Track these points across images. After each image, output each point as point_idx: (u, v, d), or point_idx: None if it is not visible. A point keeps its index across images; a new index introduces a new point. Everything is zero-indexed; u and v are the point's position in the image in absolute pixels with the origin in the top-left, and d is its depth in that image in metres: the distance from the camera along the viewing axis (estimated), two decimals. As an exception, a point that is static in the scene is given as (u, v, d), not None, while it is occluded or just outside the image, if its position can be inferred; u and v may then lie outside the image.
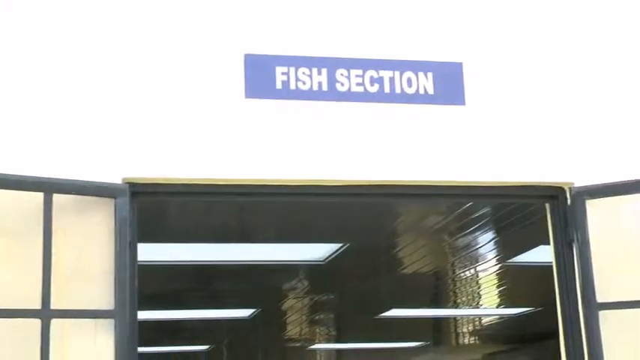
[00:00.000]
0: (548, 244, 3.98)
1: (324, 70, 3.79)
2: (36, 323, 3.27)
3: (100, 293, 3.41)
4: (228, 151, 3.68)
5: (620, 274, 3.71)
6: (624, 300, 3.66)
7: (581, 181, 3.85)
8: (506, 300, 10.88)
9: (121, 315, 3.39)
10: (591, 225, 3.76)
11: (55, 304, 3.30)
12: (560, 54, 4.03)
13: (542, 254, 7.48)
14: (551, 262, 3.95)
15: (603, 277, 3.70)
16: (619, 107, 4.01)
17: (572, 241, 3.79)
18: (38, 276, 3.30)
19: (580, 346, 3.75)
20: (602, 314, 3.67)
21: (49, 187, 3.37)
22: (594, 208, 3.78)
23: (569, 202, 3.84)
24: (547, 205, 3.96)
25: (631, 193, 3.71)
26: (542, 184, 3.93)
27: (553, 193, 3.92)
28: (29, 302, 3.28)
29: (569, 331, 3.81)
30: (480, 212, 6.57)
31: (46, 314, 3.28)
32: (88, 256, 3.47)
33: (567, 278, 3.82)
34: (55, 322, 3.29)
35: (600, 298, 3.68)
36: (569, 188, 3.86)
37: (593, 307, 3.68)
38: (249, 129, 3.72)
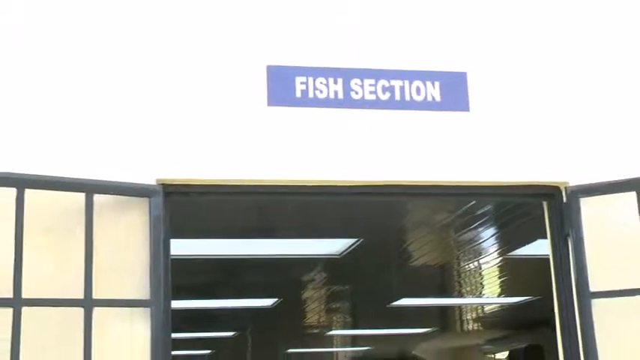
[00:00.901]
0: (546, 238, 3.96)
1: (339, 80, 3.79)
2: (79, 312, 3.28)
3: (137, 284, 3.42)
4: (253, 154, 3.68)
5: (611, 265, 3.70)
6: (615, 289, 3.65)
7: (575, 180, 3.83)
8: (506, 290, 10.86)
9: (156, 304, 3.40)
10: (585, 221, 3.75)
11: (96, 295, 3.31)
12: (553, 66, 4.02)
13: (540, 248, 7.46)
14: (548, 255, 3.94)
15: (596, 268, 3.69)
16: (610, 113, 3.99)
17: (568, 235, 3.78)
18: (80, 269, 3.31)
19: (575, 332, 3.74)
20: (595, 302, 3.66)
21: (90, 188, 3.37)
22: (588, 205, 3.76)
23: (564, 200, 3.82)
24: (544, 203, 3.95)
25: (622, 192, 3.70)
26: (539, 184, 3.91)
27: (550, 192, 3.90)
28: (73, 293, 3.29)
29: (565, 318, 3.80)
30: (483, 210, 6.55)
31: (88, 303, 3.29)
32: (125, 250, 3.47)
33: (563, 269, 3.81)
34: (96, 311, 3.30)
35: (593, 287, 3.67)
36: (565, 187, 3.84)
37: (587, 296, 3.67)
38: (272, 134, 3.71)
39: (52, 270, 3.33)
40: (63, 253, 3.35)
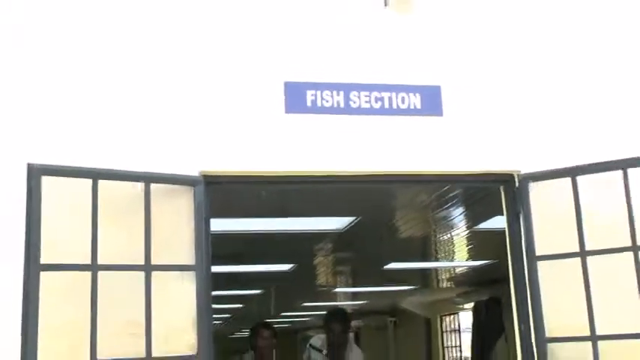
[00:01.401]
0: (502, 215, 3.97)
1: (341, 92, 3.80)
2: (141, 275, 3.31)
3: (185, 253, 3.44)
4: (274, 151, 3.70)
5: (552, 235, 3.71)
6: (555, 253, 3.66)
7: (525, 169, 3.84)
8: (472, 255, 10.84)
9: (200, 268, 3.42)
10: (532, 201, 3.76)
11: (154, 261, 3.33)
12: (506, 81, 4.03)
13: (498, 223, 7.47)
14: (504, 228, 3.95)
15: (541, 237, 3.70)
16: (552, 117, 4.00)
17: (519, 212, 3.79)
18: (141, 242, 3.32)
19: (524, 287, 3.75)
20: (540, 264, 3.68)
21: (148, 179, 3.39)
22: (535, 188, 3.77)
23: (517, 184, 3.83)
24: (501, 187, 3.96)
25: (560, 177, 3.71)
26: (497, 172, 3.92)
27: (505, 179, 3.91)
28: (136, 260, 3.31)
29: (517, 276, 3.81)
30: (454, 193, 6.54)
31: (148, 268, 3.31)
32: (176, 228, 3.48)
33: (515, 239, 3.82)
34: (154, 274, 3.32)
35: (538, 252, 3.69)
36: (517, 174, 3.85)
37: (533, 259, 3.70)
38: (289, 135, 3.73)
39: (119, 243, 3.35)
40: (128, 230, 3.38)
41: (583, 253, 3.57)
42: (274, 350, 6.81)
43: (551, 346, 3.61)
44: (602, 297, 3.56)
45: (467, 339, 16.43)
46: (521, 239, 3.77)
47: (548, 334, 3.60)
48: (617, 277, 3.58)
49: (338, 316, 6.45)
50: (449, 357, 19.91)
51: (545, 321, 3.61)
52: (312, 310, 19.24)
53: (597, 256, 3.56)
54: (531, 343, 3.65)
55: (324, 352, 6.36)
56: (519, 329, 3.74)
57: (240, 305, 16.94)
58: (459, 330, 19.27)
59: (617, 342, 3.51)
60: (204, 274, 3.42)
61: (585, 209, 3.64)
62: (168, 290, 3.40)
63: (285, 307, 17.35)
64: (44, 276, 3.08)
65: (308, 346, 6.67)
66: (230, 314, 18.73)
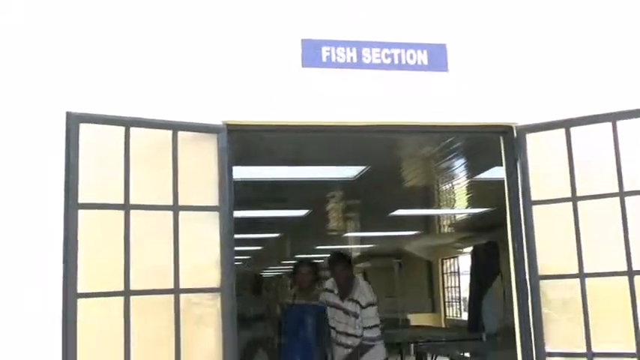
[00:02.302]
0: (500, 166, 3.95)
1: (354, 49, 3.76)
2: (169, 214, 3.33)
3: (209, 196, 3.45)
4: (291, 103, 3.69)
5: (547, 181, 3.71)
6: (550, 198, 3.66)
7: (523, 121, 3.82)
8: (472, 203, 10.86)
9: (223, 209, 3.44)
10: (529, 150, 3.75)
11: (181, 202, 3.35)
12: (508, 38, 3.99)
13: (495, 173, 7.46)
14: (502, 178, 3.93)
15: (536, 183, 3.70)
16: (548, 70, 3.96)
17: (517, 160, 3.78)
18: (170, 184, 3.34)
19: (520, 230, 3.76)
20: (535, 208, 3.68)
21: (175, 127, 3.40)
22: (531, 139, 3.76)
23: (515, 135, 3.82)
24: (501, 138, 3.94)
25: (555, 129, 3.69)
26: (497, 124, 3.90)
27: (505, 130, 3.89)
28: (165, 201, 3.34)
29: (514, 220, 3.81)
30: (456, 145, 6.53)
31: (175, 208, 3.33)
32: (201, 172, 3.49)
33: (513, 185, 3.81)
34: (181, 214, 3.35)
35: (534, 197, 3.68)
36: (515, 126, 3.83)
37: (529, 203, 3.69)
38: (305, 88, 3.71)
39: (149, 184, 3.36)
40: (157, 173, 3.39)
41: (574, 199, 3.57)
42: (314, 283, 7.39)
43: (542, 284, 3.62)
44: (590, 239, 3.57)
45: (465, 281, 16.53)
46: (518, 185, 3.76)
47: (540, 272, 3.62)
48: (605, 220, 3.58)
49: (338, 258, 6.70)
50: (449, 296, 20.09)
51: (538, 260, 3.62)
52: (325, 252, 19.36)
53: (587, 201, 3.56)
54: (525, 280, 3.67)
55: (335, 291, 6.51)
56: (515, 268, 3.76)
57: (259, 247, 17.08)
58: (458, 272, 19.42)
59: (603, 279, 3.52)
60: (227, 214, 3.43)
61: (577, 158, 3.63)
62: (194, 230, 3.42)
63: (299, 250, 17.48)
64: (82, 214, 3.11)
65: (322, 290, 6.87)
66: (250, 256, 18.90)
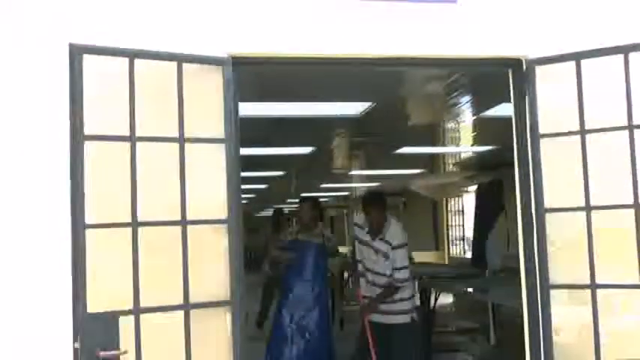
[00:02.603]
0: (507, 102, 3.91)
1: (360, -21, 3.69)
2: (175, 146, 3.32)
3: (215, 128, 3.44)
4: (297, 35, 3.63)
5: (556, 114, 3.68)
6: (558, 132, 3.64)
7: (532, 54, 3.77)
8: (477, 141, 10.84)
9: (229, 141, 3.43)
10: (538, 83, 3.71)
11: (187, 135, 3.34)
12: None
13: (501, 110, 7.41)
14: (507, 116, 3.89)
15: (544, 115, 3.67)
16: (561, 1, 3.89)
17: (526, 94, 3.75)
18: (175, 115, 3.33)
19: (527, 163, 3.73)
20: (543, 141, 3.66)
21: (180, 59, 3.36)
22: (541, 72, 3.72)
23: (524, 68, 3.77)
24: (510, 71, 3.88)
25: (564, 62, 3.65)
26: (507, 57, 3.84)
27: (514, 63, 3.83)
28: (170, 133, 3.33)
29: (521, 153, 3.78)
30: (462, 81, 6.48)
31: (182, 140, 3.32)
32: (206, 104, 3.46)
33: (521, 118, 3.77)
34: (187, 146, 3.34)
35: (542, 130, 3.66)
36: (525, 59, 3.78)
37: (537, 136, 3.67)
38: (312, 20, 3.65)
39: (155, 118, 3.34)
40: (162, 104, 3.37)
41: (583, 132, 3.55)
42: (316, 220, 7.55)
43: (548, 217, 3.63)
44: (597, 172, 3.57)
45: (469, 220, 16.61)
46: (526, 118, 3.72)
47: (547, 205, 3.62)
48: (613, 154, 3.57)
49: (373, 199, 6.56)
50: (452, 235, 20.23)
51: (544, 194, 3.62)
52: (330, 191, 19.43)
53: (595, 134, 3.54)
54: (531, 213, 3.67)
55: (366, 229, 6.48)
56: (521, 201, 3.75)
57: (264, 186, 17.14)
58: (462, 211, 19.52)
59: (609, 212, 3.53)
60: (233, 146, 3.42)
61: (587, 92, 3.60)
62: (200, 163, 3.41)
63: (304, 189, 17.53)
64: (88, 147, 3.11)
65: (353, 224, 6.85)
66: (255, 194, 19.00)
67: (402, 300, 6.33)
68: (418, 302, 8.46)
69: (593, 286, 3.51)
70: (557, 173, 3.69)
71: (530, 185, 3.67)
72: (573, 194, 3.60)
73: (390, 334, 6.29)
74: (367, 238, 6.46)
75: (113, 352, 3.06)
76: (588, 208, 3.52)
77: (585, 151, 3.54)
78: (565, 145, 3.63)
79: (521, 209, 3.75)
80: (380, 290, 6.33)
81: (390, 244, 6.28)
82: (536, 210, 3.63)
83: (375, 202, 6.47)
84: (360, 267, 6.57)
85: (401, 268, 6.25)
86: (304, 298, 7.24)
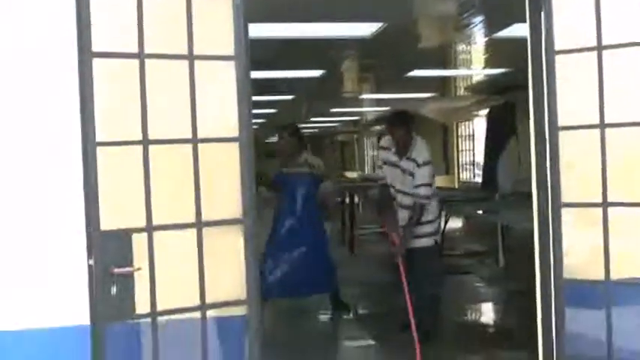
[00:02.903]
0: (520, 22, 3.81)
1: None
2: (184, 66, 3.26)
3: (223, 44, 3.36)
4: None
5: (571, 30, 3.60)
6: (573, 48, 3.57)
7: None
8: (489, 63, 10.74)
9: (239, 58, 3.36)
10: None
11: (196, 53, 3.27)
12: None
13: (515, 31, 7.29)
14: (520, 37, 3.80)
15: (561, 31, 3.59)
16: None
17: (541, 9, 3.65)
18: (183, 35, 3.25)
19: (541, 80, 3.65)
20: (557, 58, 3.59)
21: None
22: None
23: (540, -19, 3.67)
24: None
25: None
26: (522, -29, 3.75)
27: (529, -23, 3.73)
28: (180, 51, 3.27)
29: (535, 70, 3.69)
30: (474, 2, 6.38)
31: (191, 57, 3.25)
32: (215, 23, 3.38)
33: (536, 35, 3.67)
34: (197, 65, 3.28)
35: (557, 47, 3.59)
36: (541, -26, 3.67)
37: (552, 52, 3.59)
38: None
39: (162, 38, 3.25)
40: (172, 24, 3.28)
41: (600, 47, 3.48)
42: (298, 149, 7.00)
43: (562, 136, 3.59)
44: (612, 89, 3.52)
45: (479, 144, 16.58)
46: (541, 35, 3.63)
47: (560, 123, 3.59)
48: (630, 71, 3.51)
49: (398, 120, 6.52)
50: (463, 160, 20.26)
51: (559, 111, 3.58)
52: (340, 115, 19.38)
53: (612, 50, 3.47)
54: (544, 131, 3.64)
55: (393, 150, 6.44)
56: (534, 119, 3.70)
57: (274, 110, 17.11)
58: (473, 136, 19.49)
59: (624, 130, 3.49)
60: (243, 64, 3.36)
61: (605, 9, 3.50)
62: (210, 82, 3.35)
63: (314, 113, 17.51)
64: (97, 65, 3.07)
65: (379, 148, 6.77)
66: (264, 119, 18.98)
67: (427, 222, 6.35)
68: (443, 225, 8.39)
69: (605, 204, 3.50)
70: (572, 91, 3.63)
71: (544, 103, 3.61)
72: (588, 111, 3.55)
73: (413, 256, 6.33)
74: (395, 158, 6.47)
75: (127, 269, 3.09)
76: (602, 126, 3.49)
77: (602, 67, 3.48)
78: (581, 62, 3.56)
79: (535, 127, 3.70)
80: (407, 212, 6.33)
81: (417, 162, 6.28)
82: (549, 128, 3.59)
83: (401, 122, 6.44)
84: (392, 191, 6.50)
85: (422, 185, 6.24)
86: (297, 233, 6.95)
